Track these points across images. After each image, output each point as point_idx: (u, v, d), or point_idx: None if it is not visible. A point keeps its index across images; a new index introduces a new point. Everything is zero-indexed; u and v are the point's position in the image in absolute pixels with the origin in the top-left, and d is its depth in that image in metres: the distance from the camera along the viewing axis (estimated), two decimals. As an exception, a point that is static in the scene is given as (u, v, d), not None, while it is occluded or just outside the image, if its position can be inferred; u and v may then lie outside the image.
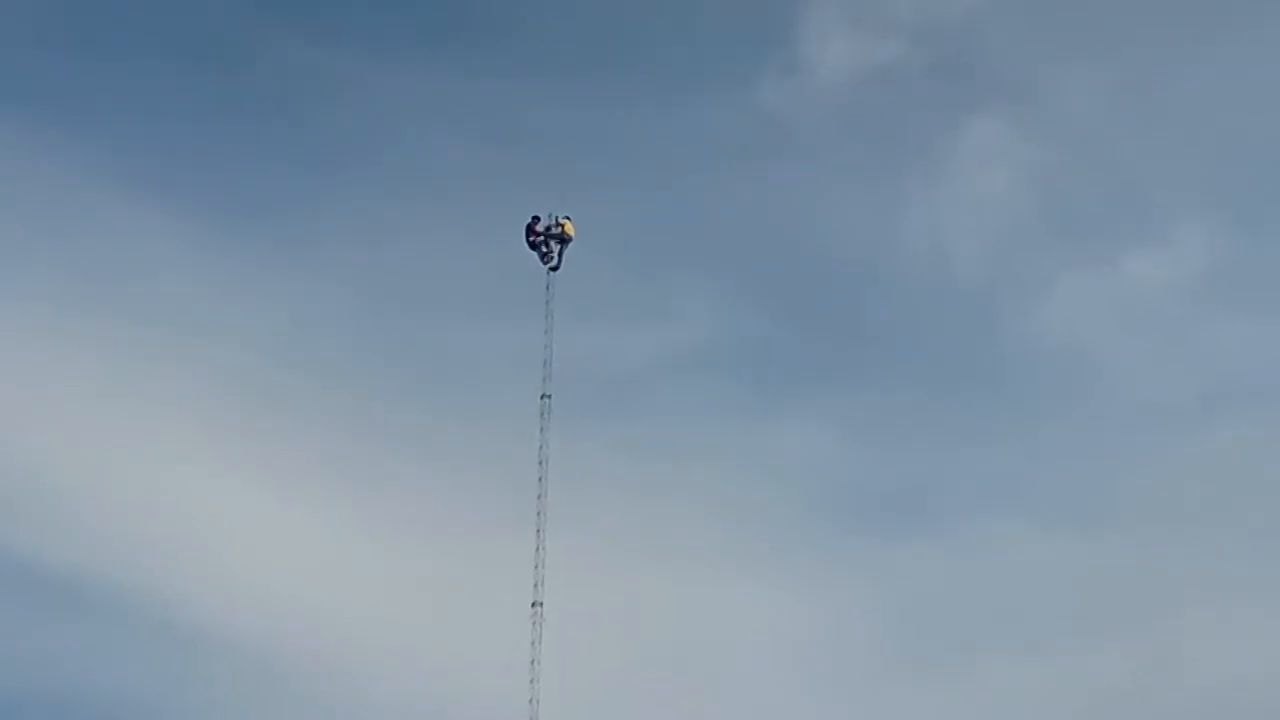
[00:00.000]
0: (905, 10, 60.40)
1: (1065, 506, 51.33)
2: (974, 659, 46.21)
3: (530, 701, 27.06)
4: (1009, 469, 52.87)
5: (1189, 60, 60.05)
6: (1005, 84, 61.10)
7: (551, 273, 31.65)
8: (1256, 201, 57.65)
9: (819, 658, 46.17)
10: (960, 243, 57.82)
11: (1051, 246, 59.14)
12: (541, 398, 30.20)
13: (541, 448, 29.67)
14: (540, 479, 29.37)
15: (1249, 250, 56.51)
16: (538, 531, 28.76)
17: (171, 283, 55.13)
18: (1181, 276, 55.27)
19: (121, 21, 62.72)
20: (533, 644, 27.79)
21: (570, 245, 31.83)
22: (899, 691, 44.33)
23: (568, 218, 31.52)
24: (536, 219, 31.75)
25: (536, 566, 28.47)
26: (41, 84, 60.14)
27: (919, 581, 48.73)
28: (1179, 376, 54.62)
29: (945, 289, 57.34)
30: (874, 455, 54.12)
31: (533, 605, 28.14)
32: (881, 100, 60.79)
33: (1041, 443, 53.58)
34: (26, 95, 59.10)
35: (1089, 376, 55.74)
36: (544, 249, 31.78)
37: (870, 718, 45.04)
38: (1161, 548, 47.75)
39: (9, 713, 42.23)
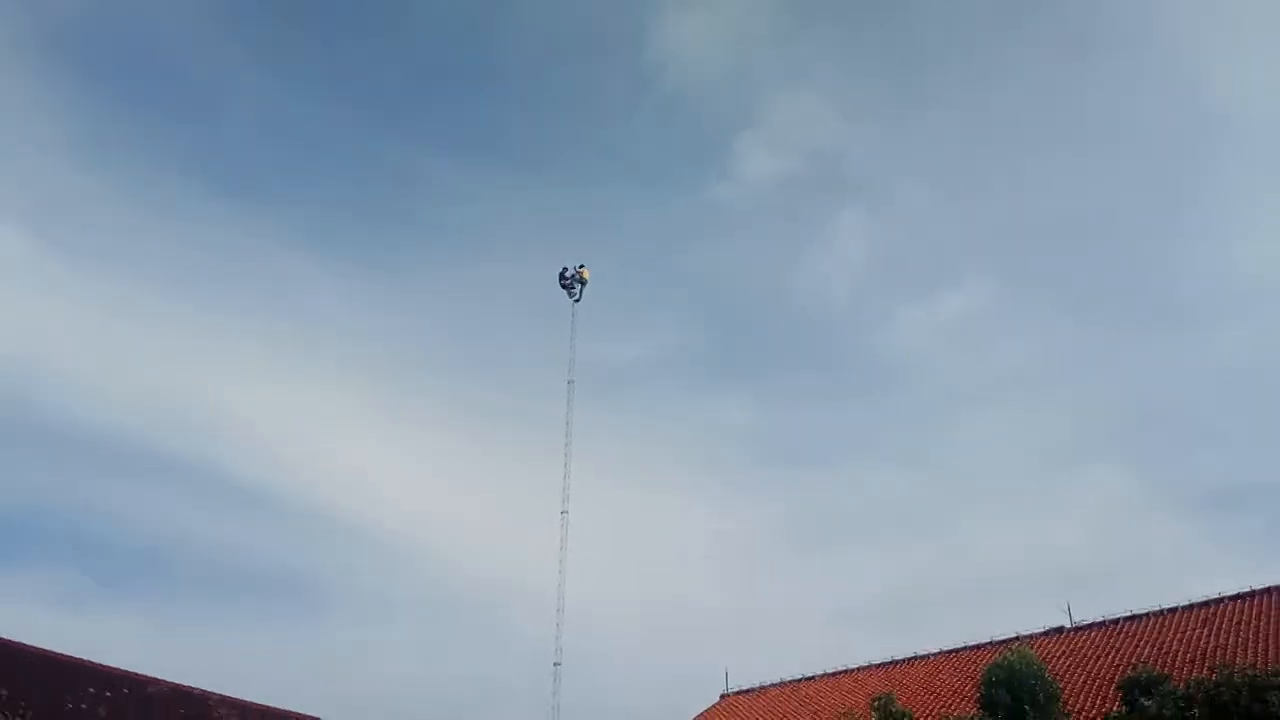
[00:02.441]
0: (800, 139, 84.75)
1: (898, 452, 73.55)
2: (839, 548, 66.58)
3: (559, 574, 36.65)
4: (864, 428, 75.48)
5: (989, 171, 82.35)
6: (864, 187, 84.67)
7: (575, 303, 40.95)
8: (1024, 263, 78.90)
9: (741, 546, 65.65)
10: (834, 288, 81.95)
11: (891, 289, 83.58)
12: (568, 382, 39.71)
13: (568, 413, 39.31)
14: (567, 433, 38.95)
15: (1018, 293, 78.20)
16: (565, 465, 38.32)
17: (335, 311, 79.18)
18: (974, 309, 76.57)
19: (306, 142, 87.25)
20: (561, 538, 37.05)
21: (587, 286, 41.46)
22: (791, 566, 64.50)
23: (583, 266, 41.54)
24: (565, 268, 41.68)
25: (564, 488, 37.77)
26: (255, 181, 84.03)
27: (805, 499, 71.19)
28: (969, 373, 76.59)
29: (824, 317, 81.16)
30: (777, 419, 77.82)
31: (561, 513, 37.34)
32: (784, 196, 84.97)
33: (884, 412, 76.75)
34: (246, 189, 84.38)
35: (913, 371, 78.02)
36: (570, 288, 41.32)
37: (772, 582, 63.06)
38: (954, 482, 67.70)
39: (223, 586, 64.81)
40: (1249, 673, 16.79)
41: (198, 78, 79.86)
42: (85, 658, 27.32)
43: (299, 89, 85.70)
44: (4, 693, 23.37)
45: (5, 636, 25.81)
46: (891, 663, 31.24)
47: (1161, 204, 76.16)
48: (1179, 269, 73.62)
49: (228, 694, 29.58)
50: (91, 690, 25.82)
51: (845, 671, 32.04)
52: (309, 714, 31.28)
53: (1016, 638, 28.39)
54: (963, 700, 24.26)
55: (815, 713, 28.22)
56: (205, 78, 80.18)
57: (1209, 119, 72.37)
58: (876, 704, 21.40)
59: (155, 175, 77.13)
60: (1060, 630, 28.67)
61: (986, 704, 19.73)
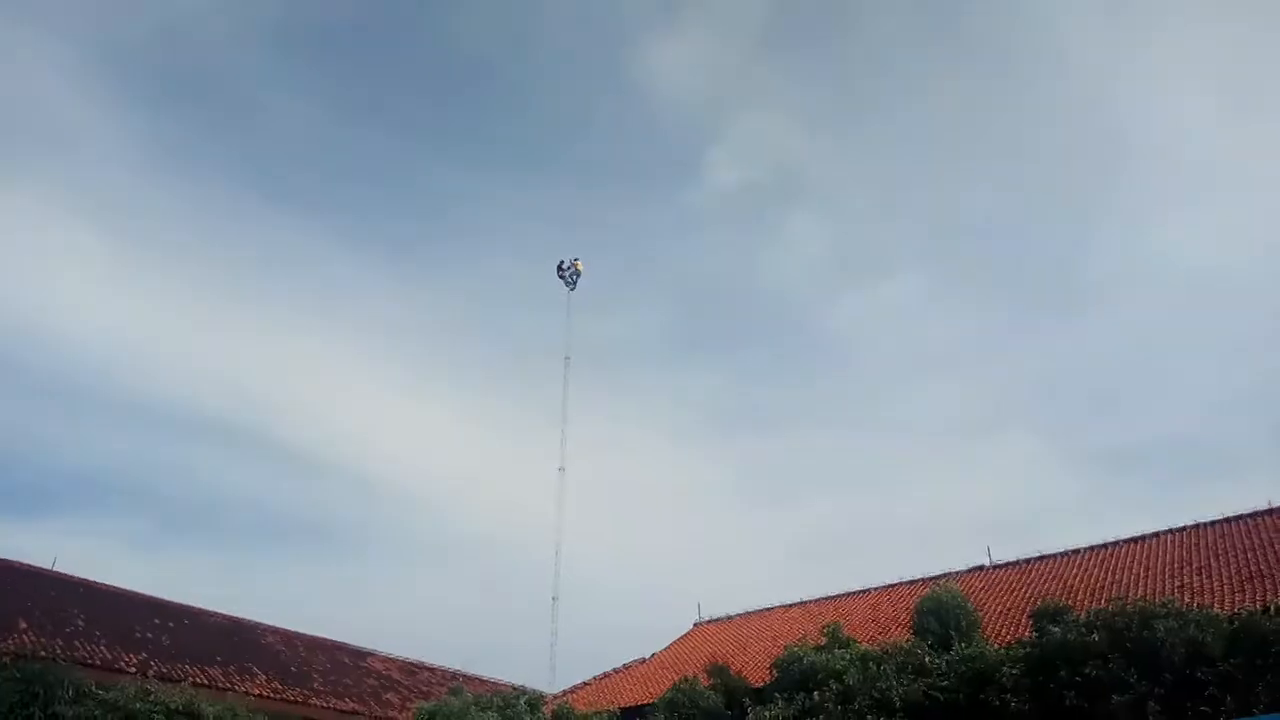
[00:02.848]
0: (760, 154, 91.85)
1: (839, 418, 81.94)
2: (793, 498, 75.46)
3: (557, 522, 40.73)
4: (811, 399, 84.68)
5: (919, 184, 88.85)
6: (815, 192, 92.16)
7: (570, 291, 43.49)
8: (951, 261, 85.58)
9: (710, 497, 75.27)
10: (788, 278, 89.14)
11: (838, 280, 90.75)
12: (565, 358, 42.53)
13: (565, 383, 42.32)
14: (563, 399, 42.08)
15: (947, 283, 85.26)
16: (562, 428, 41.60)
17: (370, 294, 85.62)
18: (908, 298, 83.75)
19: (345, 157, 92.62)
20: (559, 492, 40.63)
21: (581, 276, 44.17)
22: (752, 514, 73.36)
23: (577, 259, 44.13)
24: (562, 261, 44.08)
25: (561, 448, 41.03)
26: (318, 199, 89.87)
27: (765, 459, 79.38)
28: (902, 349, 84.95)
29: (780, 302, 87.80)
30: (740, 391, 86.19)
31: (559, 469, 40.65)
32: (747, 201, 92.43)
33: (829, 385, 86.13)
34: (312, 206, 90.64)
35: (857, 347, 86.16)
36: (567, 278, 43.91)
37: (736, 524, 71.71)
38: (892, 444, 75.44)
39: (271, 535, 72.19)
40: (1139, 603, 17.79)
41: (252, 101, 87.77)
42: (152, 594, 31.02)
43: (343, 112, 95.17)
44: (81, 623, 26.98)
45: (84, 576, 29.49)
46: (839, 596, 33.79)
47: (1068, 208, 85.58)
48: (1082, 263, 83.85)
49: (275, 625, 33.46)
50: (157, 621, 29.53)
51: (800, 603, 34.73)
52: (339, 640, 35.30)
53: (944, 575, 30.56)
54: (899, 627, 26.22)
55: (774, 638, 29.97)
56: (259, 101, 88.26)
57: (1112, 135, 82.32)
58: (826, 631, 23.12)
59: (215, 185, 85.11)
60: (981, 568, 30.68)
61: (919, 630, 21.61)
